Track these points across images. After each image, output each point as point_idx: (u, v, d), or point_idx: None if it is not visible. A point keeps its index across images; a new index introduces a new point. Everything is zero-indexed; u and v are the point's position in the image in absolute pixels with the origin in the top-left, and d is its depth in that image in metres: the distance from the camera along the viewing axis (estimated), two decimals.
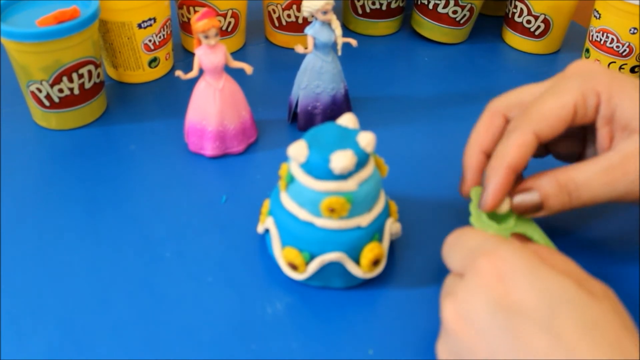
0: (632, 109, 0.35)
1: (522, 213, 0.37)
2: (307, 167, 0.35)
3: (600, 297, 0.28)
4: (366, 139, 0.35)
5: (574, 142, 0.41)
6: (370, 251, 0.37)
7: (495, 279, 0.28)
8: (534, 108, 0.36)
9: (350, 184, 0.35)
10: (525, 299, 0.27)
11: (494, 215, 0.38)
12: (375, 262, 0.38)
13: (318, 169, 0.35)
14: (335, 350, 0.36)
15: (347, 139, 0.36)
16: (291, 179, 0.37)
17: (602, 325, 0.26)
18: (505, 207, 0.37)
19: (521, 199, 0.36)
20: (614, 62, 0.60)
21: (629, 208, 0.46)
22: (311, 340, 0.36)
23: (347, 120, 0.38)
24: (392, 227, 0.40)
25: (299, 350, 0.35)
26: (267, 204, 0.41)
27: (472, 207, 0.39)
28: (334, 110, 0.52)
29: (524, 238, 0.38)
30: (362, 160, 0.35)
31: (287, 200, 0.38)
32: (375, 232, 0.38)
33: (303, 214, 0.37)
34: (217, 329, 0.36)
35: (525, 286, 0.28)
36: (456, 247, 0.33)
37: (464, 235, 0.33)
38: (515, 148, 0.36)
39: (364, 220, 0.37)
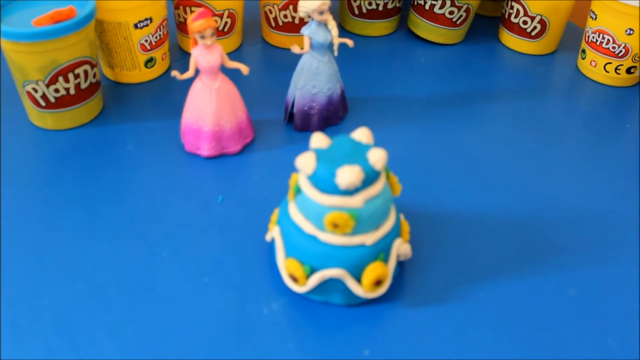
0: None
1: None
2: (314, 179, 0.35)
3: None
4: (376, 156, 0.34)
5: None
6: (372, 271, 0.36)
7: None
8: None
9: (356, 201, 0.34)
10: None
11: None
12: (378, 283, 0.37)
13: (324, 182, 0.34)
14: (332, 349, 0.36)
15: (357, 154, 0.35)
16: (299, 190, 0.36)
17: None
18: None
19: None
20: (610, 62, 0.60)
21: (628, 210, 0.46)
22: (308, 339, 0.36)
23: (361, 134, 0.36)
24: (400, 248, 0.38)
25: (295, 350, 0.35)
26: (276, 212, 0.40)
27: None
28: (330, 110, 0.52)
29: None
30: (370, 177, 0.34)
31: (294, 211, 0.37)
32: (380, 251, 0.37)
33: (307, 227, 0.36)
34: (214, 329, 0.36)
35: None
36: None
37: None
38: None
39: (369, 238, 0.36)
